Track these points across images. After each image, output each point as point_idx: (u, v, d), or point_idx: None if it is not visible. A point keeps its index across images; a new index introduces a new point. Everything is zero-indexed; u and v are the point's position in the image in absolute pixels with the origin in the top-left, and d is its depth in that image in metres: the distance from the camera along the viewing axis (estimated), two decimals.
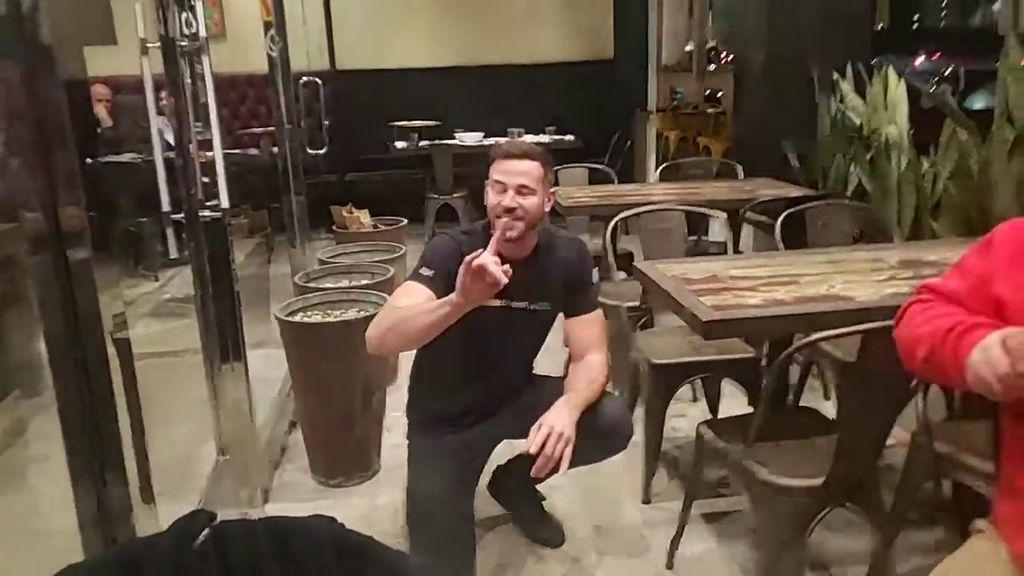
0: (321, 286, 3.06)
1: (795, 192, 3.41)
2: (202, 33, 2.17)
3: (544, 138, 6.01)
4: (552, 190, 1.92)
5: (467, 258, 1.56)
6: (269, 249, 5.11)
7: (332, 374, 2.53)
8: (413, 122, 6.13)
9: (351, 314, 2.70)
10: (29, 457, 2.55)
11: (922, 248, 2.45)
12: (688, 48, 7.24)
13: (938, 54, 6.77)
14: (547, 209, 1.91)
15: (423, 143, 6.01)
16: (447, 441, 1.97)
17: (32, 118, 1.17)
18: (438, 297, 1.72)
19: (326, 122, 4.67)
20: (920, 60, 6.65)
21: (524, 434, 1.79)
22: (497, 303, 1.78)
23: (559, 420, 1.76)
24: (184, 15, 2.11)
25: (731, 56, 6.08)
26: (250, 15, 4.44)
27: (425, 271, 1.82)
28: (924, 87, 4.70)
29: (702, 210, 3.05)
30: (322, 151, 4.37)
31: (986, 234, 1.30)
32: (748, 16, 4.32)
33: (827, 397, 2.97)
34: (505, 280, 1.56)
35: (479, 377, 2.01)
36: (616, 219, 2.84)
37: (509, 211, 1.82)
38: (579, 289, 2.02)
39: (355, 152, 6.39)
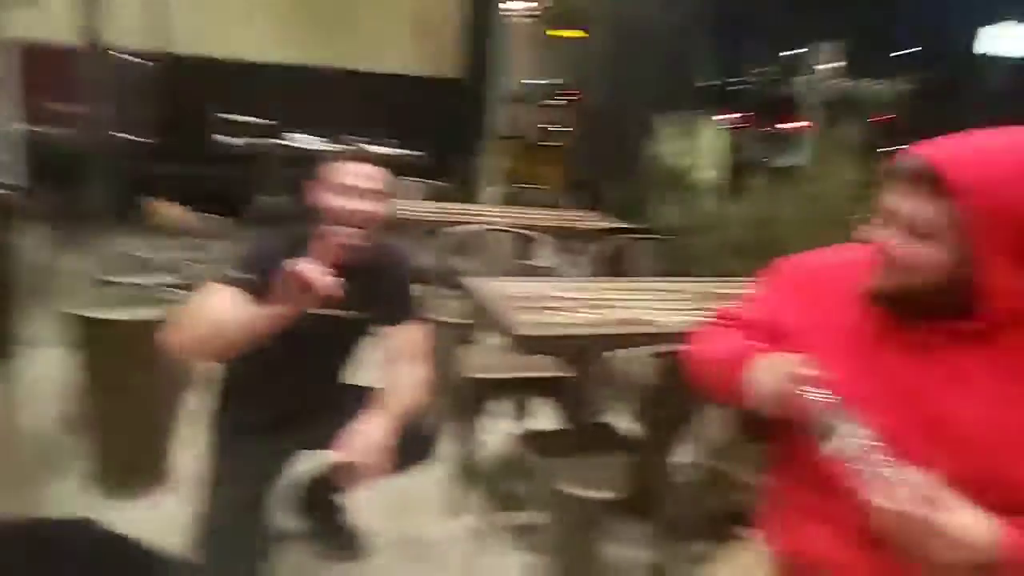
0: (122, 281, 2.82)
1: (617, 224, 3.63)
2: None
3: (385, 149, 5.95)
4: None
5: (292, 264, 1.49)
6: (64, 238, 4.63)
7: (127, 377, 2.33)
8: (246, 118, 5.86)
9: (153, 313, 2.50)
10: None
11: (723, 283, 2.67)
12: (535, 81, 7.51)
13: (751, 113, 7.53)
14: None
15: (254, 140, 5.75)
16: (251, 453, 1.86)
17: None
18: (254, 302, 1.63)
19: (149, 108, 4.35)
20: (736, 116, 7.36)
21: (334, 444, 1.74)
22: (318, 311, 1.72)
23: (371, 430, 1.72)
24: None
25: (574, 94, 6.38)
26: None
27: (242, 274, 1.72)
28: (737, 140, 5.17)
29: (532, 234, 3.17)
30: (142, 139, 4.06)
31: (772, 269, 1.44)
32: (592, 60, 4.56)
33: (628, 415, 3.13)
34: (335, 290, 1.51)
35: (292, 386, 1.92)
36: (448, 235, 2.86)
37: (358, 216, 1.77)
38: (402, 300, 1.99)
39: (178, 143, 5.97)
